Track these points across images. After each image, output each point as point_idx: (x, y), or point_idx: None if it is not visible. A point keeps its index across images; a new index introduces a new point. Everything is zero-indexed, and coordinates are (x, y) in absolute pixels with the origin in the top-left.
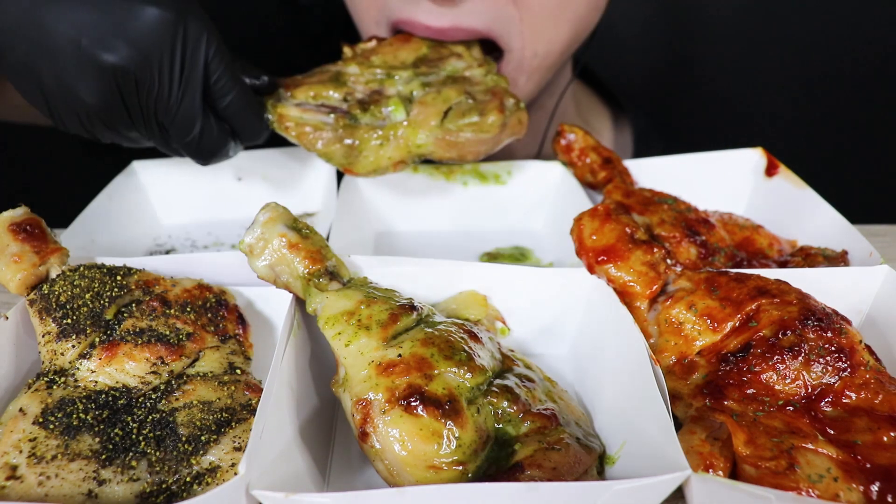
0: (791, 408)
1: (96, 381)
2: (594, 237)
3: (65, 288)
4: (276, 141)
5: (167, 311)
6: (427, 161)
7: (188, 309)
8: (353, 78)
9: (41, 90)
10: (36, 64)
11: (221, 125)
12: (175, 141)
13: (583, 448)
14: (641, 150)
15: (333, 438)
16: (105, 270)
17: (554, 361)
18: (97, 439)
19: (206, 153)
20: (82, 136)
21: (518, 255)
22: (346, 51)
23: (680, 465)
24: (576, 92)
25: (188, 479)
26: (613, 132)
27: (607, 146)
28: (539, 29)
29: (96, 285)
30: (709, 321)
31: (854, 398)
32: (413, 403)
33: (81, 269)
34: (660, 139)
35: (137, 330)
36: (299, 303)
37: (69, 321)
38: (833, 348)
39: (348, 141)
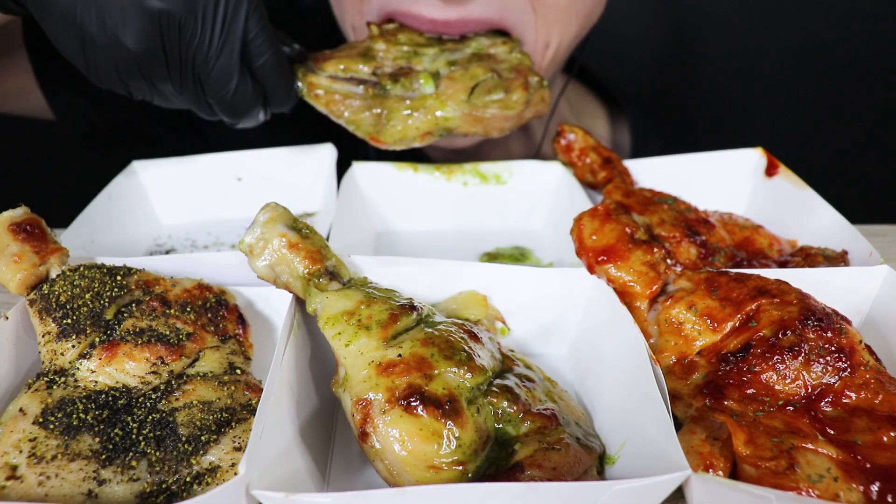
0: (791, 408)
1: (96, 381)
2: (594, 237)
3: (65, 288)
4: (277, 141)
5: (167, 311)
6: (428, 161)
7: (188, 309)
8: (381, 53)
9: (81, 38)
10: (80, 8)
11: (255, 85)
12: (210, 95)
13: (583, 448)
14: (639, 147)
15: (333, 438)
16: (105, 270)
17: (554, 361)
18: (97, 439)
19: (239, 111)
20: (114, 90)
21: (518, 255)
22: (373, 29)
23: (680, 465)
24: (567, 91)
25: (188, 479)
26: (609, 129)
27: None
28: (552, 20)
29: (96, 285)
30: (709, 321)
31: (854, 398)
32: (413, 403)
33: (81, 269)
34: (657, 136)
35: (137, 330)
36: (299, 303)
37: (69, 321)
38: (833, 348)
39: (377, 110)
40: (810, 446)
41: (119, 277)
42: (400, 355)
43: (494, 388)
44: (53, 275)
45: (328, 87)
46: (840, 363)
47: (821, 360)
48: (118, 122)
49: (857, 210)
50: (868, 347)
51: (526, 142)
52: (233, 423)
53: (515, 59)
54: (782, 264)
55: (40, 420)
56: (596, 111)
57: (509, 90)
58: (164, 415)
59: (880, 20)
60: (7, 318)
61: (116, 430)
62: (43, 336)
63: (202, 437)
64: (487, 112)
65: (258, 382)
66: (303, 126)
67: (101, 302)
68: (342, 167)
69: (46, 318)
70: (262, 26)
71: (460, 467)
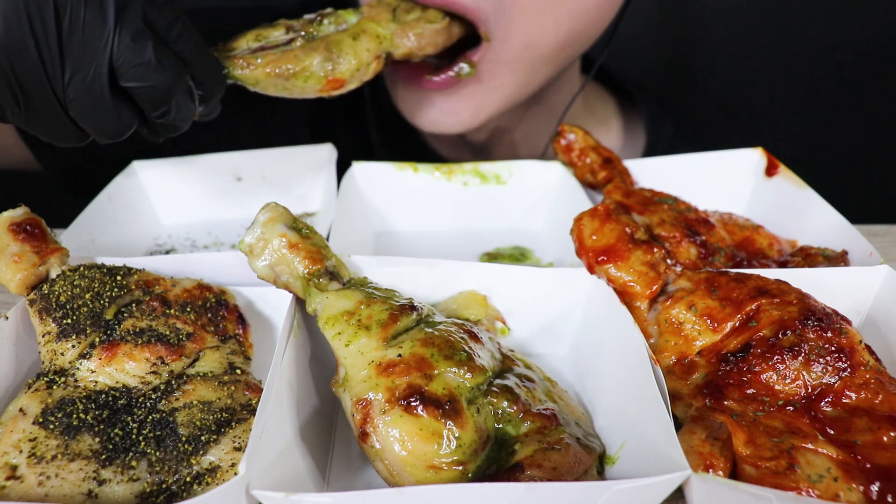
0: (791, 408)
1: (96, 381)
2: (594, 237)
3: (65, 288)
4: (277, 141)
5: (167, 311)
6: (427, 160)
7: (188, 309)
8: (284, 23)
9: None
10: None
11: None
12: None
13: (583, 448)
14: (653, 136)
15: (333, 438)
16: (105, 270)
17: (554, 361)
18: (97, 439)
19: (162, 99)
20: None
21: (518, 255)
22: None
23: (680, 465)
24: (587, 93)
25: (188, 479)
26: (622, 125)
27: (616, 138)
28: (532, 17)
29: (96, 285)
30: (709, 321)
31: (854, 398)
32: (413, 403)
33: (81, 269)
34: (671, 125)
35: (137, 330)
36: (299, 303)
37: (69, 321)
38: (833, 348)
39: (323, 52)
40: (810, 446)
41: (119, 277)
42: (400, 355)
43: (494, 388)
44: (53, 275)
45: (254, 59)
46: (840, 363)
47: (821, 360)
48: (103, 156)
49: (857, 210)
50: (868, 347)
51: (534, 142)
52: (233, 423)
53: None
54: (782, 264)
55: (40, 420)
56: (609, 107)
57: (426, 9)
58: (164, 415)
59: (882, 20)
60: (7, 318)
61: (116, 430)
62: (43, 336)
63: (202, 437)
64: (416, 28)
65: (258, 382)
66: (303, 126)
67: (101, 302)
68: (342, 167)
69: (46, 318)
70: (174, 14)
71: (460, 467)
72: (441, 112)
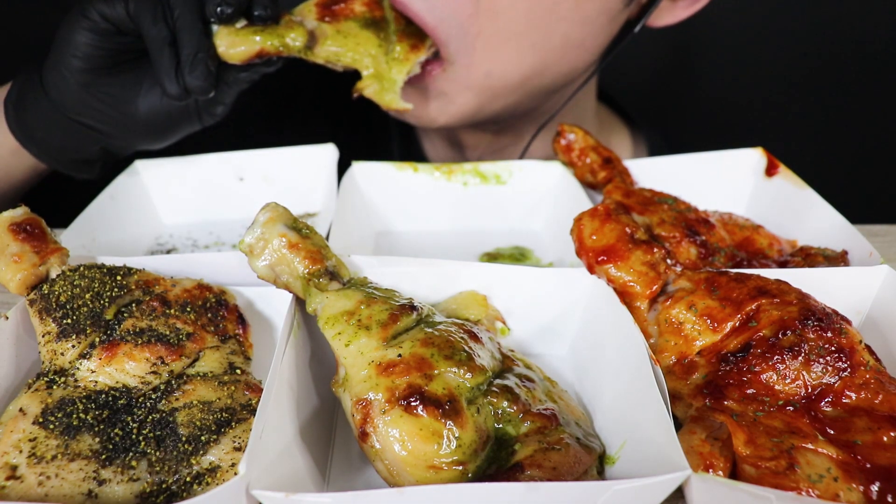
0: (791, 408)
1: (96, 381)
2: (594, 237)
3: (65, 288)
4: (277, 141)
5: (167, 311)
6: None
7: (188, 309)
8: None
9: None
10: None
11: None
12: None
13: (583, 448)
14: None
15: (333, 438)
16: (105, 270)
17: (554, 361)
18: (97, 439)
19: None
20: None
21: (518, 255)
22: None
23: (680, 465)
24: (598, 110)
25: (188, 479)
26: (631, 145)
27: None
28: (495, 48)
29: (96, 285)
30: (709, 321)
31: (854, 398)
32: (413, 403)
33: (81, 269)
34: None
35: (137, 330)
36: (299, 303)
37: (69, 321)
38: (833, 348)
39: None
40: (810, 446)
41: (119, 277)
42: (400, 355)
43: (494, 388)
44: (53, 275)
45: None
46: (840, 363)
47: (821, 360)
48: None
49: (857, 210)
50: (868, 347)
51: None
52: (233, 423)
53: None
54: (782, 264)
55: (40, 420)
56: (619, 130)
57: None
58: (164, 415)
59: (881, 20)
60: (7, 318)
61: (116, 430)
62: (43, 336)
63: (202, 437)
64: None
65: (258, 382)
66: (304, 127)
67: (101, 302)
68: (342, 167)
69: (46, 318)
70: None
71: (460, 467)
72: (409, 99)
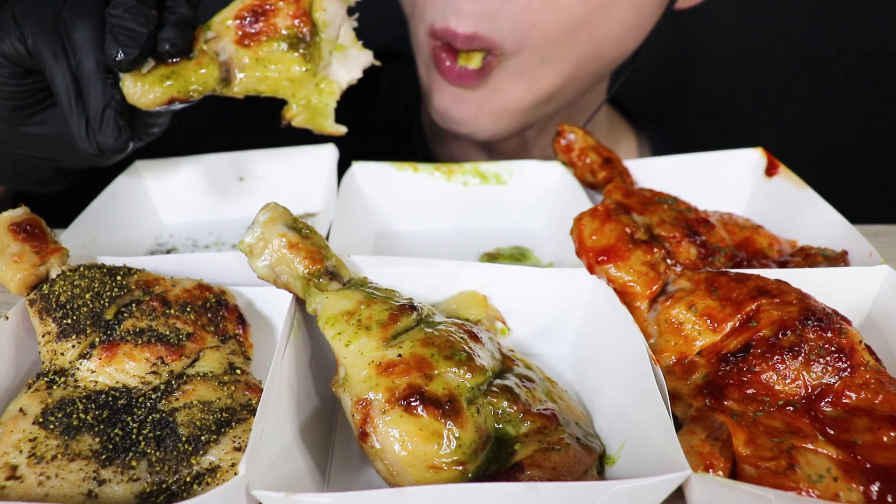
0: (791, 408)
1: (96, 381)
2: (594, 237)
3: (65, 288)
4: (277, 141)
5: (167, 311)
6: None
7: (188, 309)
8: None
9: None
10: None
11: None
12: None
13: (583, 448)
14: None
15: (333, 438)
16: (105, 270)
17: (554, 361)
18: (97, 439)
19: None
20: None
21: (518, 255)
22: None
23: (680, 465)
24: (607, 112)
25: (188, 479)
26: (636, 147)
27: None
28: (551, 38)
29: (96, 285)
30: (709, 321)
31: (854, 398)
32: (413, 403)
33: (81, 269)
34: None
35: (137, 330)
36: (299, 303)
37: (69, 321)
38: (833, 348)
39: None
40: (810, 446)
41: (119, 277)
42: (400, 355)
43: (494, 388)
44: (53, 275)
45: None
46: (840, 363)
47: (821, 360)
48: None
49: (857, 210)
50: (868, 347)
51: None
52: (233, 423)
53: None
54: (782, 264)
55: (40, 420)
56: (626, 131)
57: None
58: (164, 415)
59: (881, 19)
60: (7, 318)
61: (116, 430)
62: (43, 336)
63: (202, 437)
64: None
65: (258, 382)
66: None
67: (101, 302)
68: (342, 167)
69: (46, 318)
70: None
71: (460, 467)
72: (452, 98)
